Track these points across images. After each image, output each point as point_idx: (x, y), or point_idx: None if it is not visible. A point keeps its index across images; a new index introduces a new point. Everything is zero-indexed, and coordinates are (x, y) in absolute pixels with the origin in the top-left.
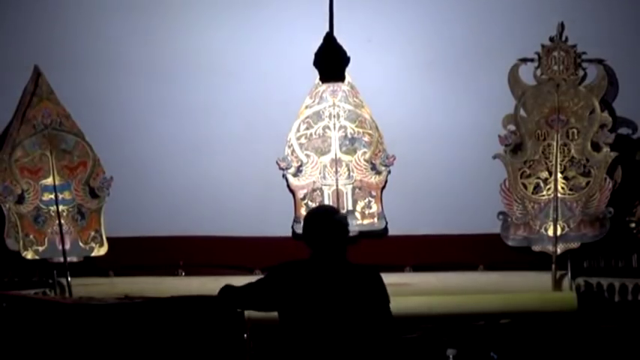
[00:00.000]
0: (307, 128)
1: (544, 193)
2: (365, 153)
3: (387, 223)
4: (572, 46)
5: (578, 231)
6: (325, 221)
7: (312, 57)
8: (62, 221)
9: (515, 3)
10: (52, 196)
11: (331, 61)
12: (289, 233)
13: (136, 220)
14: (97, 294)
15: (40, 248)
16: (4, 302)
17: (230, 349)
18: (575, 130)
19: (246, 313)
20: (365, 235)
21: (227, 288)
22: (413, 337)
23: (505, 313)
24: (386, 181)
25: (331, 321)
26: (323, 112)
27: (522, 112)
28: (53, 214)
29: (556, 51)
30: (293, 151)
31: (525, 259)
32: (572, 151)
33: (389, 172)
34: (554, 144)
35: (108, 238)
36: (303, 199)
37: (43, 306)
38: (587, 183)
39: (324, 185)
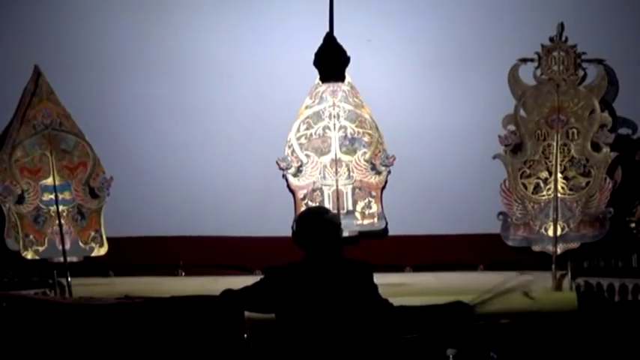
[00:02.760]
0: (307, 128)
1: (544, 193)
2: (365, 153)
3: (387, 223)
4: (572, 46)
5: (578, 231)
6: (315, 222)
7: (312, 57)
8: (62, 221)
9: (515, 3)
10: (52, 196)
11: (331, 61)
12: (289, 233)
13: (136, 220)
14: (97, 294)
15: (40, 248)
16: (4, 302)
17: (230, 349)
18: (575, 130)
19: (247, 313)
20: (365, 235)
21: (227, 292)
22: (413, 337)
23: (505, 313)
24: (386, 181)
25: (327, 321)
26: (323, 112)
27: (522, 112)
28: (53, 214)
29: (556, 51)
30: (293, 151)
31: (525, 259)
32: (572, 151)
33: (389, 172)
34: (554, 144)
35: (108, 238)
36: (303, 199)
37: (43, 306)
38: (587, 183)
39: (324, 185)
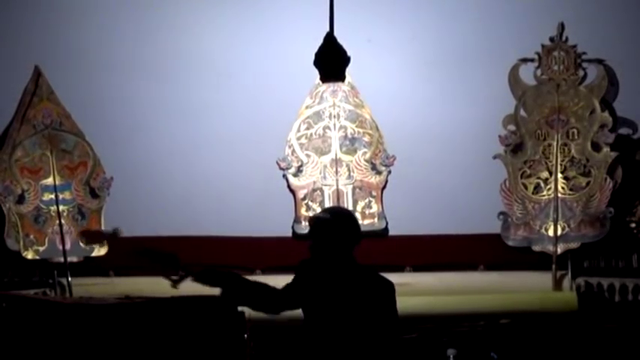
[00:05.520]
0: (307, 128)
1: (544, 193)
2: (365, 153)
3: (387, 223)
4: (572, 46)
5: (579, 231)
6: (340, 214)
7: (313, 57)
8: (62, 221)
9: (515, 3)
10: (53, 196)
11: (331, 61)
12: (289, 233)
13: (136, 220)
14: (97, 294)
15: (41, 248)
16: (4, 302)
17: (230, 349)
18: (576, 130)
19: (247, 313)
20: (365, 235)
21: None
22: (413, 337)
23: (505, 313)
24: (386, 181)
25: (345, 322)
26: (323, 112)
27: (522, 112)
28: (53, 214)
29: (556, 51)
30: (293, 151)
31: (525, 259)
32: (573, 151)
33: (389, 172)
34: (555, 144)
35: None
36: (304, 199)
37: (43, 306)
38: (588, 183)
39: (325, 185)
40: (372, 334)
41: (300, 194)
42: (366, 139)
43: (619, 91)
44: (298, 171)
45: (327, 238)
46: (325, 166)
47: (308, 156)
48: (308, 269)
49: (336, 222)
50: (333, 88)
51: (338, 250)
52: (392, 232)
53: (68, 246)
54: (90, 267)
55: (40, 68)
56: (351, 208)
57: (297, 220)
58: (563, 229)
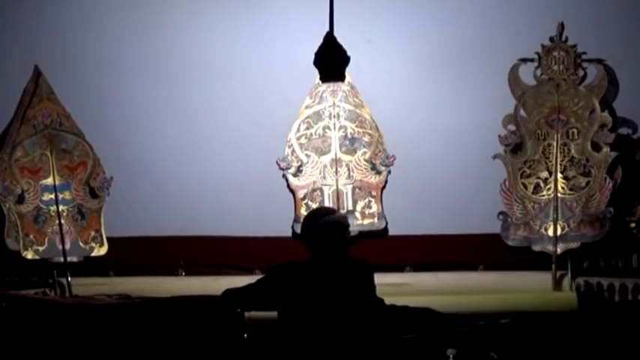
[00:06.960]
0: (307, 128)
1: (544, 193)
2: (365, 153)
3: (387, 223)
4: (572, 46)
5: (578, 231)
6: (323, 223)
7: (312, 56)
8: (62, 221)
9: (515, 3)
10: (52, 196)
11: (331, 61)
12: (289, 233)
13: (136, 220)
14: (97, 294)
15: (40, 248)
16: (4, 302)
17: (230, 349)
18: (575, 130)
19: (246, 313)
20: (365, 235)
21: (229, 291)
22: (412, 337)
23: (505, 313)
24: (386, 181)
25: (329, 320)
26: (323, 112)
27: (522, 112)
28: (53, 214)
29: (556, 51)
30: (293, 151)
31: (525, 259)
32: (572, 150)
33: (389, 172)
34: (554, 144)
35: (108, 238)
36: (303, 199)
37: (43, 306)
38: (587, 183)
39: (324, 185)
40: (360, 323)
41: (300, 194)
42: (366, 139)
43: (619, 91)
44: (298, 171)
45: (303, 240)
46: (325, 166)
47: (308, 156)
48: (289, 274)
49: (305, 224)
50: (332, 88)
51: (314, 250)
52: (392, 232)
53: (68, 246)
54: (90, 267)
55: (40, 68)
56: (350, 208)
57: (296, 220)
58: (562, 228)
